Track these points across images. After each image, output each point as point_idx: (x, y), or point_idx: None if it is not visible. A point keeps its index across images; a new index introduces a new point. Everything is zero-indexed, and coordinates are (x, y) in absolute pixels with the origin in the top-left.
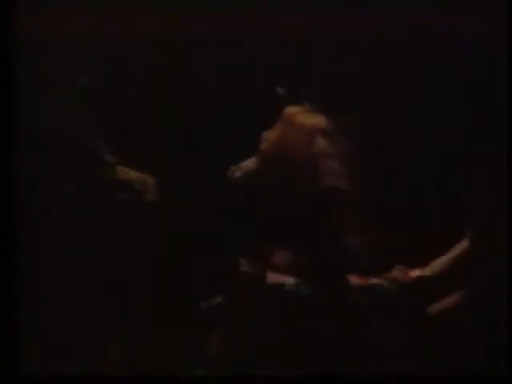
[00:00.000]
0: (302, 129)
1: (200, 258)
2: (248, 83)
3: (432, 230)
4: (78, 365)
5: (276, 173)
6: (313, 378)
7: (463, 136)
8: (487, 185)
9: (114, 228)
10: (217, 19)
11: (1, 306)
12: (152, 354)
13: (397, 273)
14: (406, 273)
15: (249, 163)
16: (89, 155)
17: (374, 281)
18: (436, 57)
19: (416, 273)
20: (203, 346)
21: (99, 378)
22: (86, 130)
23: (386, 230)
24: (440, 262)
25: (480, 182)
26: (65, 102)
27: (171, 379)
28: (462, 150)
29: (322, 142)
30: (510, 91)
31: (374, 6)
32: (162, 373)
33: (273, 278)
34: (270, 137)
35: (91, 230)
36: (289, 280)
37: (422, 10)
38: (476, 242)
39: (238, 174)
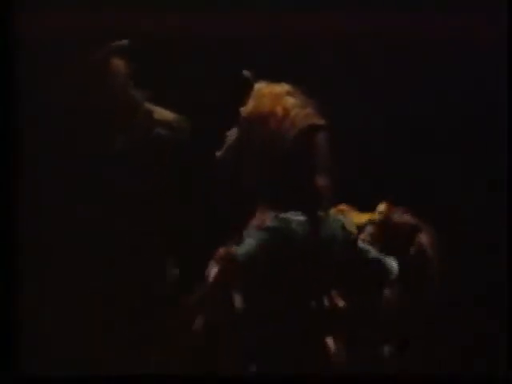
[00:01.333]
0: (272, 95)
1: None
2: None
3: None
4: (78, 365)
5: (257, 135)
6: (312, 377)
7: (463, 136)
8: (486, 184)
9: (112, 228)
10: (217, 19)
11: (1, 306)
12: (151, 353)
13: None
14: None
15: (231, 136)
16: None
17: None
18: (436, 57)
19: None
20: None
21: (99, 378)
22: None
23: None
24: None
25: (479, 182)
26: (64, 101)
27: (171, 379)
28: (462, 150)
29: (291, 99)
30: (510, 91)
31: (374, 5)
32: (162, 373)
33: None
34: (246, 108)
35: (91, 230)
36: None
37: (422, 10)
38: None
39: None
